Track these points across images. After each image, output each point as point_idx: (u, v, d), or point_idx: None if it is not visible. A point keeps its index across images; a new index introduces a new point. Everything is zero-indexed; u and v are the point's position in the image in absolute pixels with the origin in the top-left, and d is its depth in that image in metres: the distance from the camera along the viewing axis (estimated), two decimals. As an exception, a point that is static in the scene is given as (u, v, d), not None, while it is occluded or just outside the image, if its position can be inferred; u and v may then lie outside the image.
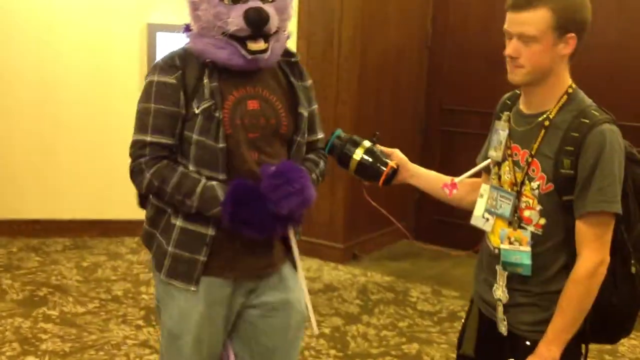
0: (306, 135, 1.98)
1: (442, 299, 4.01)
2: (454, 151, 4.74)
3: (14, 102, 4.59)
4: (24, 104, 4.60)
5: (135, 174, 1.85)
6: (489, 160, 1.83)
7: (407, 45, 4.81)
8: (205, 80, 1.83)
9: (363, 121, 4.47)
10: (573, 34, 1.61)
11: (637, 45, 4.19)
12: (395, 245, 4.90)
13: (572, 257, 1.64)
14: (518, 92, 1.80)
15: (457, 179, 1.89)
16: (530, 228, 1.68)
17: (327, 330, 3.54)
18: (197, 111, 1.81)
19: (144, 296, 3.83)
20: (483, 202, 1.81)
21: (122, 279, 4.07)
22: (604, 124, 1.59)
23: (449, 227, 4.70)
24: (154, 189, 1.85)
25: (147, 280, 4.03)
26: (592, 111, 1.62)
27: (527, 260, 1.68)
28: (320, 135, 2.05)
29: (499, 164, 1.78)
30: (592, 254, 1.60)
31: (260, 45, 1.79)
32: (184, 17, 1.92)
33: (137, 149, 1.85)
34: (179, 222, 1.87)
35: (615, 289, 1.64)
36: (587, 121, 1.60)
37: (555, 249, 1.68)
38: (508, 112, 1.79)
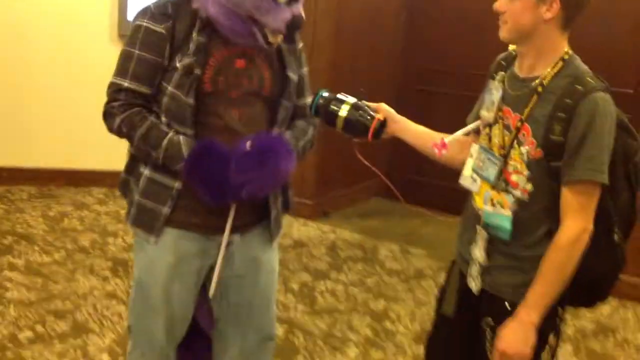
0: (294, 98, 1.95)
1: (409, 257, 4.05)
2: (430, 111, 4.73)
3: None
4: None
5: (107, 115, 1.84)
6: (479, 122, 1.81)
7: (385, 4, 4.75)
8: (194, 34, 1.79)
9: (339, 80, 4.43)
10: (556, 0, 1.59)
11: (614, 7, 4.18)
12: (365, 203, 4.92)
13: (556, 224, 1.64)
14: (514, 53, 1.78)
15: (447, 139, 1.86)
16: (517, 192, 1.68)
17: (295, 286, 3.56)
18: (177, 65, 1.78)
19: (111, 247, 3.79)
20: (471, 162, 1.80)
21: (89, 230, 4.02)
22: (597, 91, 1.58)
23: (422, 186, 4.72)
24: (122, 134, 1.83)
25: (114, 231, 3.99)
26: (587, 78, 1.60)
27: (508, 224, 1.69)
28: (303, 102, 2.02)
29: (490, 125, 1.76)
30: (576, 221, 1.60)
31: (278, 38, 1.80)
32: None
33: (113, 91, 1.82)
34: (147, 172, 1.86)
35: (597, 256, 1.65)
36: (580, 88, 1.58)
37: (540, 215, 1.68)
38: (503, 73, 1.77)
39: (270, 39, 1.79)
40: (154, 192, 1.85)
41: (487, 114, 1.76)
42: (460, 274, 1.87)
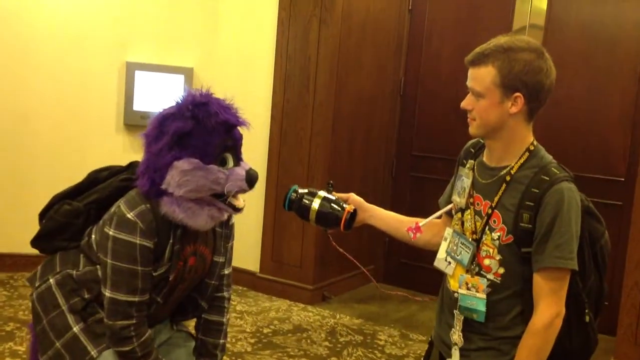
0: (216, 276, 2.15)
1: (409, 342, 4.06)
2: (423, 196, 4.84)
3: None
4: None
5: (124, 339, 1.93)
6: (452, 205, 1.91)
7: (380, 93, 4.94)
8: (170, 242, 1.94)
9: (336, 164, 4.57)
10: (520, 94, 1.69)
11: (602, 98, 4.36)
12: (364, 288, 4.95)
13: (528, 305, 1.72)
14: (482, 141, 1.88)
15: (421, 223, 1.96)
16: (490, 276, 1.76)
17: (295, 372, 3.56)
18: (155, 274, 1.94)
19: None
20: (445, 245, 1.89)
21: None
22: (562, 181, 1.68)
23: (417, 270, 4.79)
24: (132, 356, 1.95)
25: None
26: (552, 169, 1.71)
27: (482, 307, 1.76)
28: (228, 271, 2.21)
29: (462, 211, 1.85)
30: (549, 307, 1.68)
31: (240, 202, 1.96)
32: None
33: (124, 308, 1.92)
34: (76, 329, 2.00)
35: (569, 337, 1.73)
36: (547, 178, 1.68)
37: (513, 297, 1.75)
38: (472, 161, 1.87)
39: (237, 204, 1.94)
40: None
41: (459, 200, 1.86)
42: (440, 357, 1.92)
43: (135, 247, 1.88)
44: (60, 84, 4.64)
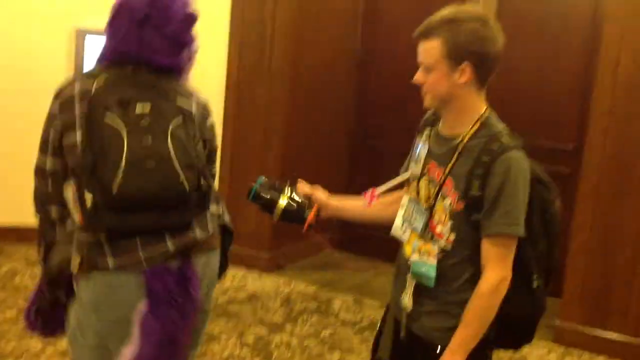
0: None
1: (363, 308, 4.11)
2: (380, 165, 4.87)
3: None
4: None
5: None
6: (408, 173, 1.93)
7: (339, 62, 4.92)
8: None
9: (293, 133, 4.55)
10: (467, 64, 1.71)
11: (554, 67, 4.43)
12: (319, 256, 4.99)
13: (477, 271, 1.76)
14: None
15: (377, 190, 1.98)
16: (441, 242, 1.79)
17: (250, 339, 3.58)
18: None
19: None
20: (402, 212, 1.91)
21: (42, 287, 3.98)
22: (511, 150, 1.71)
23: (372, 238, 4.83)
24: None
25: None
26: (502, 137, 1.74)
27: (432, 273, 1.79)
28: None
29: (418, 179, 1.88)
30: (495, 271, 1.72)
31: None
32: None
33: None
34: None
35: (518, 301, 1.77)
36: (496, 147, 1.71)
37: (463, 262, 1.79)
38: (429, 129, 1.90)
39: None
40: None
41: (415, 168, 1.89)
42: (395, 321, 1.96)
43: None
44: (6, 53, 4.50)
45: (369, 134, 5.03)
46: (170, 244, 1.87)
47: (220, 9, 4.50)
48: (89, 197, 1.77)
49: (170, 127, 1.83)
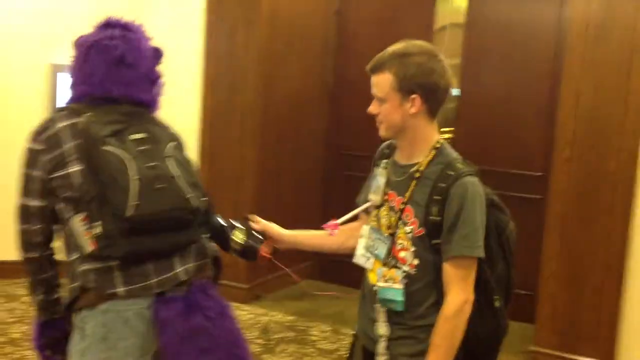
0: None
1: (341, 337, 4.16)
2: (354, 194, 4.93)
3: None
4: None
5: None
6: (369, 203, 2.01)
7: (309, 94, 5.02)
8: None
9: (265, 166, 4.63)
10: (416, 95, 1.81)
11: (520, 95, 4.55)
12: (297, 285, 5.03)
13: (441, 295, 1.83)
14: (394, 142, 1.99)
15: (339, 220, 2.07)
16: (405, 267, 1.87)
17: (228, 370, 3.60)
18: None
19: (42, 339, 3.77)
20: (363, 241, 1.99)
21: (19, 322, 4.00)
22: (466, 176, 1.80)
23: (349, 266, 4.88)
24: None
25: (45, 322, 3.97)
26: (457, 164, 1.83)
27: (400, 297, 1.86)
28: None
29: (378, 207, 1.96)
30: (458, 293, 1.79)
31: None
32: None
33: None
34: None
35: (481, 322, 1.84)
36: (452, 173, 1.80)
37: (427, 287, 1.86)
38: (386, 160, 1.99)
39: None
40: None
41: (374, 197, 1.97)
42: (364, 350, 2.02)
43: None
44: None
45: (343, 163, 5.11)
46: (180, 270, 1.91)
47: (194, 44, 4.60)
48: (98, 225, 1.80)
49: (168, 151, 1.91)
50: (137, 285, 1.86)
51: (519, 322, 4.37)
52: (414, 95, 1.81)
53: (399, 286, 1.87)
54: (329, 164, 5.17)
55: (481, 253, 1.80)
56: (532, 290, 4.09)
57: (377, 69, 1.85)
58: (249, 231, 2.08)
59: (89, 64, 1.94)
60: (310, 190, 5.08)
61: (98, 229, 1.80)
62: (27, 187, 1.92)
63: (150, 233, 1.84)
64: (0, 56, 4.57)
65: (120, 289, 1.85)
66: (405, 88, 1.81)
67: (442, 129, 4.64)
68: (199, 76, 4.60)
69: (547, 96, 4.38)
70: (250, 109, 4.49)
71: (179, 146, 1.98)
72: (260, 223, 2.13)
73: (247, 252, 2.08)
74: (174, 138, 1.99)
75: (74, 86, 1.98)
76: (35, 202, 1.92)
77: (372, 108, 1.89)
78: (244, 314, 4.44)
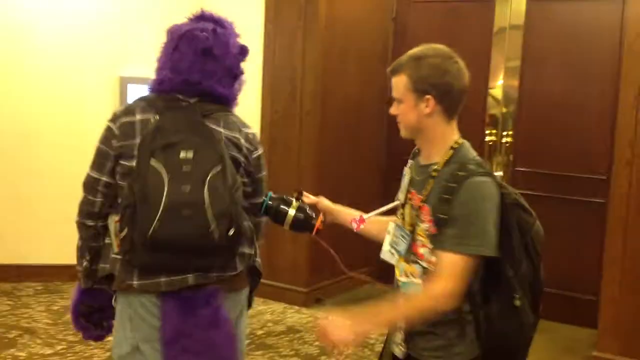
0: None
1: (398, 340, 4.18)
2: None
3: (-10, 153, 4.78)
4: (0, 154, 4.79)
5: None
6: (397, 202, 2.06)
7: (367, 100, 5.07)
8: None
9: (325, 172, 4.70)
10: (430, 96, 1.85)
11: (582, 97, 4.48)
12: (358, 290, 5.08)
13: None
14: None
15: (365, 215, 2.16)
16: (423, 263, 1.91)
17: (285, 371, 3.70)
18: None
19: (109, 338, 3.95)
20: (389, 238, 2.04)
21: (91, 322, 4.20)
22: (477, 176, 1.83)
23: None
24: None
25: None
26: (470, 165, 1.86)
27: (419, 292, 1.91)
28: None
29: (403, 206, 2.02)
30: (441, 284, 1.81)
31: None
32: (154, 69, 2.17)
33: None
34: None
35: (502, 320, 1.86)
36: (462, 173, 1.83)
37: None
38: (412, 161, 2.06)
39: None
40: None
41: (400, 196, 2.04)
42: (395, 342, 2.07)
43: None
44: (58, 100, 4.83)
45: (401, 169, 5.11)
46: (191, 278, 2.02)
47: (252, 54, 4.68)
48: (127, 232, 1.95)
49: (209, 176, 1.93)
50: (148, 281, 2.00)
51: (583, 327, 4.32)
52: (427, 96, 1.86)
53: (419, 281, 1.91)
54: (389, 169, 5.20)
55: (487, 252, 1.81)
56: (595, 295, 4.02)
57: (394, 71, 1.91)
58: (302, 205, 2.19)
59: (178, 52, 2.05)
60: (370, 197, 5.10)
61: (124, 234, 1.95)
62: (98, 161, 2.07)
63: (168, 252, 1.94)
64: (74, 70, 4.83)
65: (135, 282, 2.01)
66: (419, 88, 1.86)
67: (502, 132, 4.67)
68: (258, 85, 4.72)
69: (610, 98, 4.29)
70: (308, 116, 4.59)
71: (225, 169, 1.96)
72: (310, 197, 2.24)
73: (303, 224, 2.17)
74: (223, 160, 1.97)
75: (159, 71, 2.10)
76: (102, 177, 2.07)
77: (393, 110, 1.95)
78: (303, 317, 4.52)
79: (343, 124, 4.89)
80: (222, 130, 2.06)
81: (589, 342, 4.00)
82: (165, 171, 1.91)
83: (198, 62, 2.03)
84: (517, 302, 1.86)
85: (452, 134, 1.93)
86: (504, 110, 4.79)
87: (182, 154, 1.94)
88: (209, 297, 2.04)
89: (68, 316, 4.24)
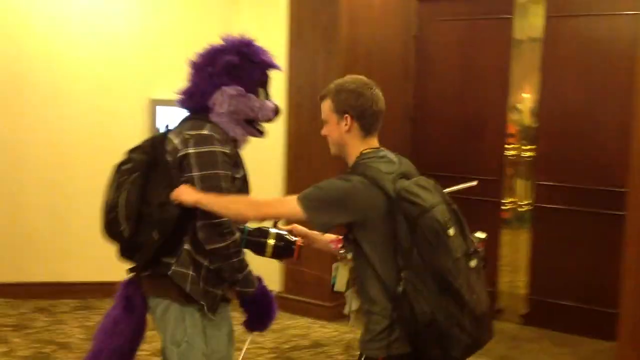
0: None
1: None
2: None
3: (26, 176, 5.00)
4: (37, 176, 5.01)
5: (219, 234, 2.26)
6: (473, 182, 2.54)
7: (390, 117, 5.13)
8: (237, 151, 2.37)
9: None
10: (348, 115, 2.14)
11: (600, 110, 4.51)
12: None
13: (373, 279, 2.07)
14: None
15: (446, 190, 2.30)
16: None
17: (309, 384, 3.78)
18: (237, 176, 2.32)
19: (141, 352, 4.09)
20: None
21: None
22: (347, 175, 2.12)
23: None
24: (226, 253, 2.29)
25: (146, 337, 4.29)
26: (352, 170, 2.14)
27: None
28: None
29: None
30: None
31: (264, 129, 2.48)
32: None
33: None
34: (205, 264, 2.32)
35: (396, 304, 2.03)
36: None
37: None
38: None
39: (262, 129, 2.47)
40: (212, 279, 2.32)
41: None
42: None
43: (216, 154, 2.26)
44: (91, 122, 5.04)
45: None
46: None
47: (276, 74, 4.84)
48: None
49: (128, 181, 2.38)
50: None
51: (604, 340, 4.32)
52: (346, 115, 2.15)
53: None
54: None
55: (300, 205, 2.09)
56: (616, 308, 4.02)
57: (322, 97, 2.21)
58: (279, 233, 2.32)
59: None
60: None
61: None
62: (227, 185, 2.28)
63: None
64: (107, 93, 5.05)
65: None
66: (339, 109, 2.16)
67: (524, 147, 4.70)
68: (282, 104, 4.84)
69: (628, 110, 4.31)
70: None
71: (142, 175, 2.34)
72: (286, 225, 2.40)
73: (284, 251, 2.30)
74: (139, 168, 2.37)
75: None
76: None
77: (323, 130, 2.23)
78: (328, 331, 4.61)
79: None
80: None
81: (609, 355, 4.01)
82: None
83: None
84: (400, 289, 2.01)
85: (364, 148, 2.17)
86: (526, 124, 4.83)
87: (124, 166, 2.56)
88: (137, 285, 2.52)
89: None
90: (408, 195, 2.04)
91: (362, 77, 2.23)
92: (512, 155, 4.84)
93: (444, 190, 2.23)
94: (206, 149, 2.27)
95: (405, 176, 2.12)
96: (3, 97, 4.94)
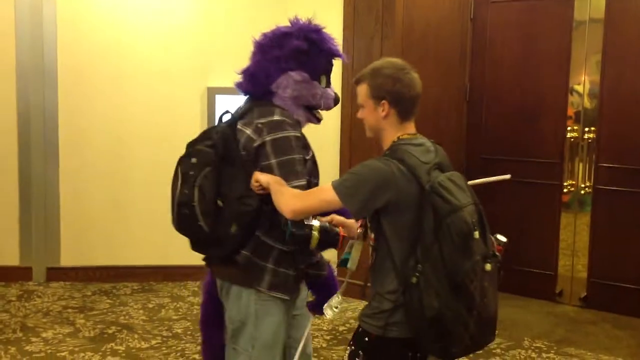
0: None
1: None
2: (493, 198, 4.97)
3: (89, 162, 5.12)
4: (97, 163, 5.13)
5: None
6: (506, 176, 2.39)
7: (446, 100, 5.12)
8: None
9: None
10: (385, 101, 2.11)
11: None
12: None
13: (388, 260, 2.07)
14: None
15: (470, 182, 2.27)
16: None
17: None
18: (307, 157, 2.35)
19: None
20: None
21: (183, 319, 4.45)
22: (377, 158, 2.09)
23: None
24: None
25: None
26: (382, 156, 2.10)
27: None
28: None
29: None
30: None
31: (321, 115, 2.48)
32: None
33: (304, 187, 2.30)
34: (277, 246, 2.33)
35: (406, 295, 2.00)
36: None
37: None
38: None
39: (320, 117, 2.46)
40: (285, 260, 2.33)
41: None
42: None
43: (290, 139, 2.28)
44: (151, 109, 5.13)
45: (484, 168, 5.13)
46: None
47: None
48: None
49: (199, 178, 2.32)
50: None
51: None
52: (383, 101, 2.11)
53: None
54: (470, 168, 5.21)
55: (335, 191, 2.05)
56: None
57: (357, 82, 2.18)
58: (322, 225, 2.27)
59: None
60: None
61: None
62: (302, 168, 2.29)
63: None
64: (167, 82, 5.13)
65: None
66: (376, 95, 2.12)
67: (585, 128, 4.60)
68: (337, 89, 4.84)
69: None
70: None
71: (215, 170, 2.29)
72: (326, 216, 2.34)
73: (328, 241, 2.26)
74: (209, 162, 2.30)
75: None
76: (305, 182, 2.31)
77: (358, 114, 2.21)
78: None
79: (423, 125, 4.90)
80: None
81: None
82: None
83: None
84: (414, 280, 1.97)
85: (399, 134, 2.14)
86: (586, 106, 4.73)
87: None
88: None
89: (162, 313, 4.52)
90: (441, 191, 2.01)
91: (398, 60, 2.19)
92: (573, 138, 4.75)
93: (475, 182, 2.24)
94: (280, 135, 2.27)
95: (440, 167, 2.10)
96: (69, 86, 5.07)
